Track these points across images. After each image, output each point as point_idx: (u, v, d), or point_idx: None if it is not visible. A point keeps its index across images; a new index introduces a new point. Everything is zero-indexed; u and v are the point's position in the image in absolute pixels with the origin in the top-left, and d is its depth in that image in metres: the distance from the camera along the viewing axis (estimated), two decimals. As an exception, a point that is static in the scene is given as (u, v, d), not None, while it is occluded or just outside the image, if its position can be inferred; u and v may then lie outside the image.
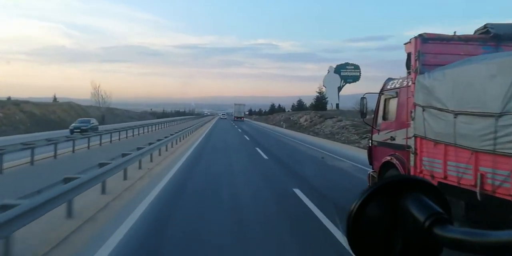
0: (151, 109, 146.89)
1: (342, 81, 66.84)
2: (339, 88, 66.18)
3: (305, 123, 50.97)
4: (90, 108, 58.92)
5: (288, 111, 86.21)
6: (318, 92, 59.78)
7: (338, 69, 67.21)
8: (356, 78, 67.65)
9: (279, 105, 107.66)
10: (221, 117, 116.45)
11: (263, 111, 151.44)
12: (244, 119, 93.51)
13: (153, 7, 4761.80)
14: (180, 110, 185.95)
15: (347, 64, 68.03)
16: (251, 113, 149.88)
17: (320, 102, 58.37)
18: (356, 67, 67.64)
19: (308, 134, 39.74)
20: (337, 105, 64.13)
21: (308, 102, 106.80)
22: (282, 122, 68.17)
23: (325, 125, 42.89)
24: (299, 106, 78.11)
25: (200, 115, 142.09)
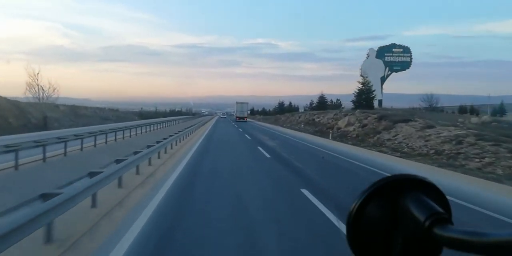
0: (141, 108, 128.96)
1: (387, 69, 47.94)
2: (383, 79, 47.29)
3: (351, 129, 32.33)
4: (32, 105, 39.80)
5: (306, 109, 67.71)
6: (362, 83, 40.96)
7: (381, 53, 48.07)
8: (405, 65, 48.62)
9: (290, 103, 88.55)
10: (221, 116, 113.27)
11: (268, 110, 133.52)
12: (247, 119, 75.63)
13: (151, 7, 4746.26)
14: (176, 109, 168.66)
15: (393, 45, 48.78)
16: (253, 112, 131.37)
17: (365, 98, 39.62)
18: (406, 50, 48.32)
19: (380, 151, 21.24)
20: (380, 101, 45.18)
21: (305, 103, 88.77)
22: (303, 125, 49.64)
23: (401, 134, 24.19)
24: (320, 104, 59.37)
25: (197, 115, 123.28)
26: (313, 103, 65.40)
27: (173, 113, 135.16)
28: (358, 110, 35.46)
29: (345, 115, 36.46)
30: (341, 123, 35.53)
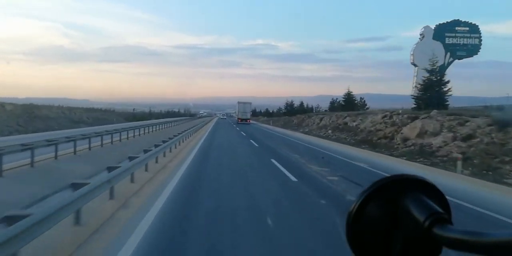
0: (133, 109, 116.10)
1: (448, 54, 34.49)
2: (443, 68, 33.32)
3: (437, 142, 19.19)
4: None
5: (325, 110, 54.68)
6: (429, 72, 27.52)
7: (440, 33, 34.17)
8: (473, 50, 34.59)
9: (302, 103, 74.68)
10: (221, 117, 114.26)
11: (271, 111, 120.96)
12: (251, 121, 65.06)
13: (151, 7, 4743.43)
14: (175, 110, 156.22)
15: (456, 22, 34.54)
16: (255, 113, 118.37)
17: (435, 93, 25.98)
18: (474, 29, 33.93)
19: None
20: (441, 99, 31.81)
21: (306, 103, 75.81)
22: (330, 130, 36.70)
23: None
24: (348, 104, 46.29)
25: (194, 117, 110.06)
26: (335, 103, 52.42)
27: (169, 114, 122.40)
28: (434, 110, 22.35)
29: (412, 119, 23.37)
30: (409, 131, 22.47)
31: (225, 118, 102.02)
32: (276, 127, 51.24)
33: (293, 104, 76.41)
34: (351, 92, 46.65)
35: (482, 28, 34.34)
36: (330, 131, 36.36)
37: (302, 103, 73.21)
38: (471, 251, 0.48)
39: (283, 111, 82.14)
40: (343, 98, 47.16)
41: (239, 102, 67.54)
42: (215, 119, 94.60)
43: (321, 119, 44.90)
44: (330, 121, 40.75)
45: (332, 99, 54.61)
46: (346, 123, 35.43)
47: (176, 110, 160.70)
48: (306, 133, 40.53)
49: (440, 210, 0.57)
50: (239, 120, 62.13)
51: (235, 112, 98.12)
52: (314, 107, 71.14)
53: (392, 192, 0.62)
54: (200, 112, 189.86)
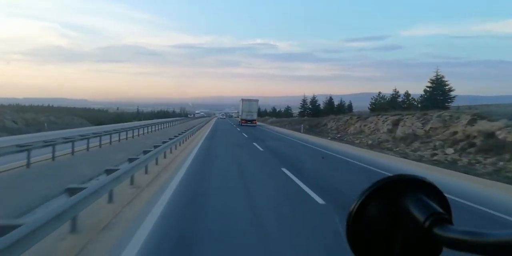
0: (117, 108, 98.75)
1: None
2: None
3: None
4: None
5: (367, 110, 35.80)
6: None
7: None
8: None
9: (331, 99, 54.19)
10: (220, 117, 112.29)
11: (279, 110, 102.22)
12: (257, 122, 51.91)
13: (150, 7, 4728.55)
14: (169, 110, 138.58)
15: None
16: (259, 113, 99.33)
17: None
18: None
19: None
20: None
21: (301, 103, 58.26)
22: (446, 149, 17.76)
23: None
24: (433, 99, 27.37)
25: (186, 118, 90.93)
26: (395, 98, 33.63)
27: (159, 114, 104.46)
28: None
29: None
30: None
31: (225, 118, 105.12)
32: (317, 139, 31.94)
33: (316, 101, 57.12)
34: (442, 76, 27.45)
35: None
36: (451, 152, 17.40)
37: (331, 99, 53.76)
38: (471, 251, 0.48)
39: (300, 110, 63.35)
40: (430, 86, 28.09)
41: (243, 100, 50.89)
42: (213, 120, 76.79)
43: (393, 124, 25.93)
44: (427, 129, 21.78)
45: (395, 92, 35.58)
46: (490, 135, 16.50)
47: (171, 110, 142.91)
48: (378, 149, 21.65)
49: (440, 210, 0.57)
50: (243, 122, 48.95)
51: (237, 112, 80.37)
52: (350, 105, 52.05)
53: (392, 192, 0.61)
54: (196, 112, 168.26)
